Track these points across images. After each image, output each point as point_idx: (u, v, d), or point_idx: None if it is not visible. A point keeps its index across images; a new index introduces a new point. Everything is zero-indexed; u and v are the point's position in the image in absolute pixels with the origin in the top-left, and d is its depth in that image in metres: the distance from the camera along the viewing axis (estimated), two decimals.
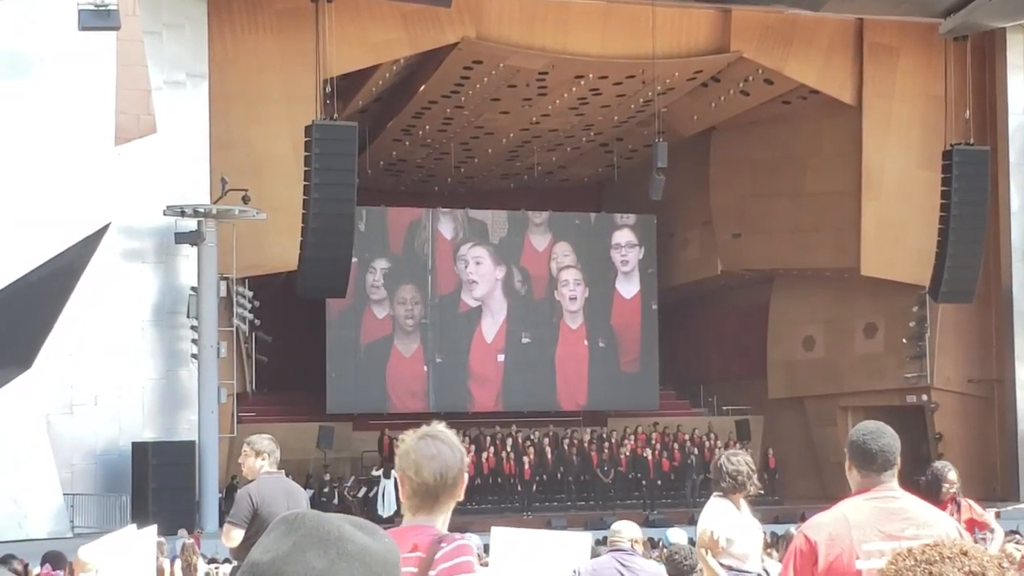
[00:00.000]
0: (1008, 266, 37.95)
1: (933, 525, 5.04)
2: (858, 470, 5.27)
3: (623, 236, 42.59)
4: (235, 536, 9.51)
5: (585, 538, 10.09)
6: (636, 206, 41.47)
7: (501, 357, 40.90)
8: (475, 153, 42.23)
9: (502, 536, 9.50)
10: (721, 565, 8.47)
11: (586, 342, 41.89)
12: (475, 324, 40.93)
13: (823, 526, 5.15)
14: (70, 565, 12.02)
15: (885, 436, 5.27)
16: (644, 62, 34.78)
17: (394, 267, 40.07)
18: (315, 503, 32.89)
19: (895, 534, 4.87)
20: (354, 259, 38.40)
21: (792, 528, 10.71)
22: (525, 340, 41.17)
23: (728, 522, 8.63)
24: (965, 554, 2.38)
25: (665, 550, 8.86)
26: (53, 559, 13.42)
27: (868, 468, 5.23)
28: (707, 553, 8.55)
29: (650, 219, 42.38)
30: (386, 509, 34.57)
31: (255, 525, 9.33)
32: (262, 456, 9.69)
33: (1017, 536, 13.96)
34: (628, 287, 42.58)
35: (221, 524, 10.94)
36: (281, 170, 31.92)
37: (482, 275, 41.03)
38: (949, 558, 2.38)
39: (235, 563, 10.12)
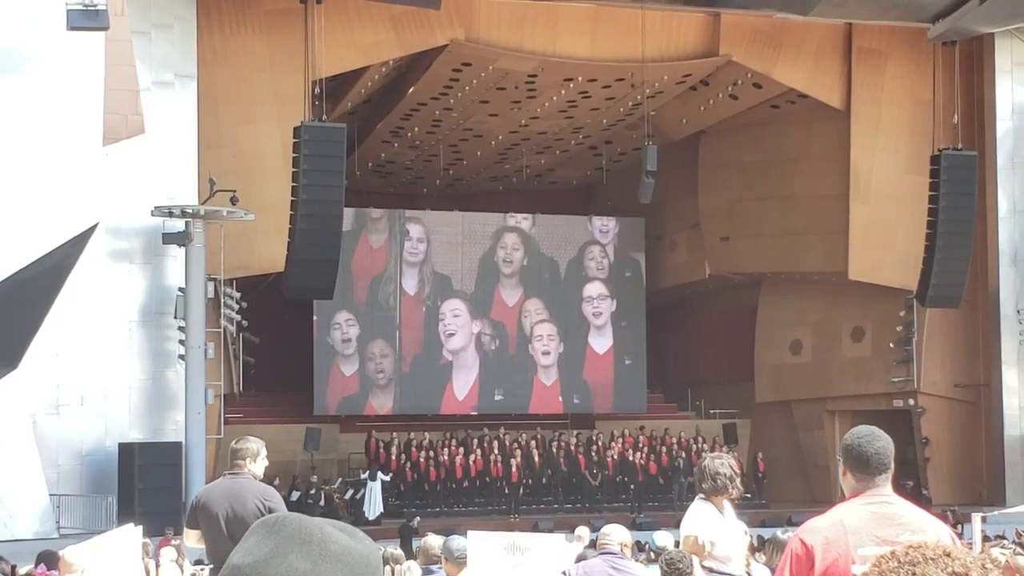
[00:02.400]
0: (995, 271, 38.06)
1: (927, 531, 5.04)
2: (852, 474, 5.26)
3: (594, 288, 42.16)
4: (191, 536, 9.51)
5: (560, 539, 10.13)
6: (625, 209, 41.50)
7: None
8: (464, 155, 42.21)
9: (479, 540, 9.50)
10: (703, 567, 8.47)
11: (560, 398, 41.61)
12: (446, 381, 40.53)
13: (819, 530, 5.14)
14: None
15: (880, 440, 5.27)
16: (633, 65, 34.81)
17: (359, 321, 39.55)
18: (302, 505, 32.89)
19: (890, 539, 4.86)
20: (314, 316, 38.13)
21: (779, 532, 10.72)
22: (498, 398, 40.80)
23: (711, 525, 8.63)
24: (948, 555, 2.39)
25: (664, 555, 8.85)
26: (47, 559, 13.42)
27: (863, 472, 5.22)
28: (708, 561, 8.55)
29: (635, 221, 42.40)
30: (372, 511, 34.52)
31: (201, 526, 9.29)
32: (232, 458, 9.66)
33: (1004, 541, 13.97)
34: (601, 342, 42.28)
35: None
36: (269, 171, 31.89)
37: (459, 326, 40.56)
38: (932, 559, 2.38)
39: (211, 565, 10.09)
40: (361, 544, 2.28)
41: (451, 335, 40.49)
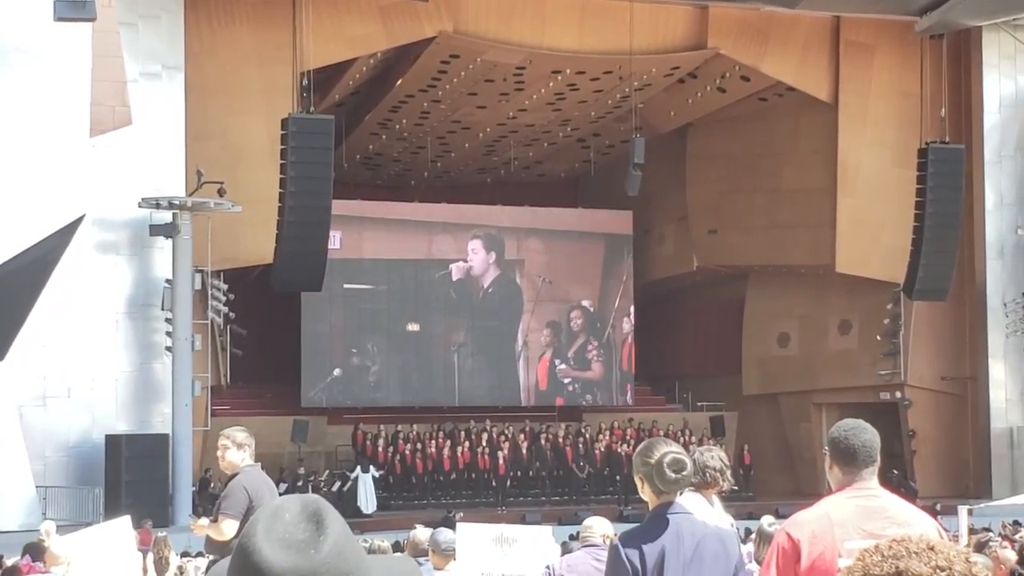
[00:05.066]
0: (982, 264, 38.11)
1: (913, 524, 5.05)
2: (839, 467, 5.27)
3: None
4: (230, 529, 9.43)
5: (546, 532, 10.14)
6: (612, 201, 41.49)
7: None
8: (452, 147, 42.19)
9: (468, 531, 9.52)
10: None
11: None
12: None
13: (805, 524, 5.14)
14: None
15: (866, 432, 5.29)
16: (621, 58, 34.80)
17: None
18: None
19: (876, 532, 4.87)
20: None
21: (764, 524, 10.73)
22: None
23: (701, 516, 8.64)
24: (932, 549, 2.40)
25: None
26: (33, 551, 13.42)
27: (850, 465, 5.23)
28: None
29: (625, 215, 42.43)
30: (367, 506, 34.46)
31: (246, 518, 9.30)
32: (242, 448, 9.67)
33: (990, 535, 14.00)
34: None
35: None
36: (257, 163, 31.84)
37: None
38: (916, 553, 2.39)
39: (211, 557, 10.06)
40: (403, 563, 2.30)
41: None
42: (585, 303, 42.48)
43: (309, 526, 2.25)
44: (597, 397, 42.22)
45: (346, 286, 39.27)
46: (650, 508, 5.94)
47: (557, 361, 41.86)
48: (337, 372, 39.30)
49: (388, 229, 40.30)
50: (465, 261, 41.02)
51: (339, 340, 39.65)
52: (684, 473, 5.88)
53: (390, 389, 40.00)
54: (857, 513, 5.10)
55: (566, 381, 41.95)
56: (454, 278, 40.99)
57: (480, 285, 41.31)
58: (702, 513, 8.71)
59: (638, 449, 6.02)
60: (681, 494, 6.04)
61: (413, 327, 40.46)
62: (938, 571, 2.34)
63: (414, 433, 37.67)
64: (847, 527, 5.04)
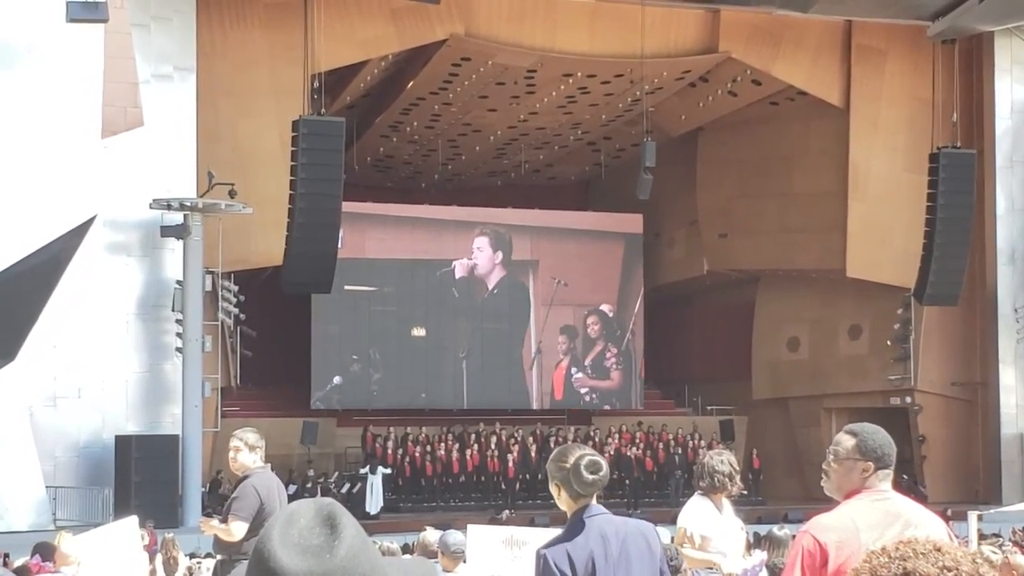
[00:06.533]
0: (993, 269, 38.06)
1: (929, 526, 5.05)
2: (873, 468, 5.27)
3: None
4: (239, 531, 9.45)
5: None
6: (623, 205, 41.47)
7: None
8: (463, 150, 42.20)
9: (478, 534, 9.54)
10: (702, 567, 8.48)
11: None
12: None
13: (831, 529, 5.12)
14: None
15: (887, 436, 5.31)
16: (632, 61, 34.81)
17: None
18: (299, 499, 32.81)
19: (898, 537, 4.87)
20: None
21: (775, 528, 10.73)
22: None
23: (705, 520, 8.64)
24: (939, 550, 2.41)
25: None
26: (43, 550, 13.44)
27: (878, 464, 5.24)
28: (686, 547, 8.57)
29: (635, 218, 42.39)
30: (373, 506, 34.49)
31: (257, 520, 9.32)
32: (254, 450, 9.70)
33: (1000, 539, 13.99)
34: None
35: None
36: (268, 165, 31.89)
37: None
38: (923, 554, 2.40)
39: (219, 557, 10.07)
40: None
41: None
42: (604, 307, 42.27)
43: (324, 530, 2.27)
44: (616, 407, 42.06)
45: (347, 288, 38.23)
46: (568, 513, 6.00)
47: (574, 370, 41.64)
48: (337, 380, 39.13)
49: (392, 228, 40.03)
50: (469, 259, 40.81)
51: (348, 343, 39.57)
52: (601, 474, 5.96)
53: (392, 396, 39.65)
54: (880, 518, 5.11)
55: (583, 391, 41.78)
56: (456, 276, 40.67)
57: (485, 286, 41.05)
58: (707, 517, 8.72)
59: (552, 456, 6.08)
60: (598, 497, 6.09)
61: (419, 332, 40.27)
62: (945, 571, 2.35)
63: (423, 436, 37.66)
64: (872, 532, 5.03)
